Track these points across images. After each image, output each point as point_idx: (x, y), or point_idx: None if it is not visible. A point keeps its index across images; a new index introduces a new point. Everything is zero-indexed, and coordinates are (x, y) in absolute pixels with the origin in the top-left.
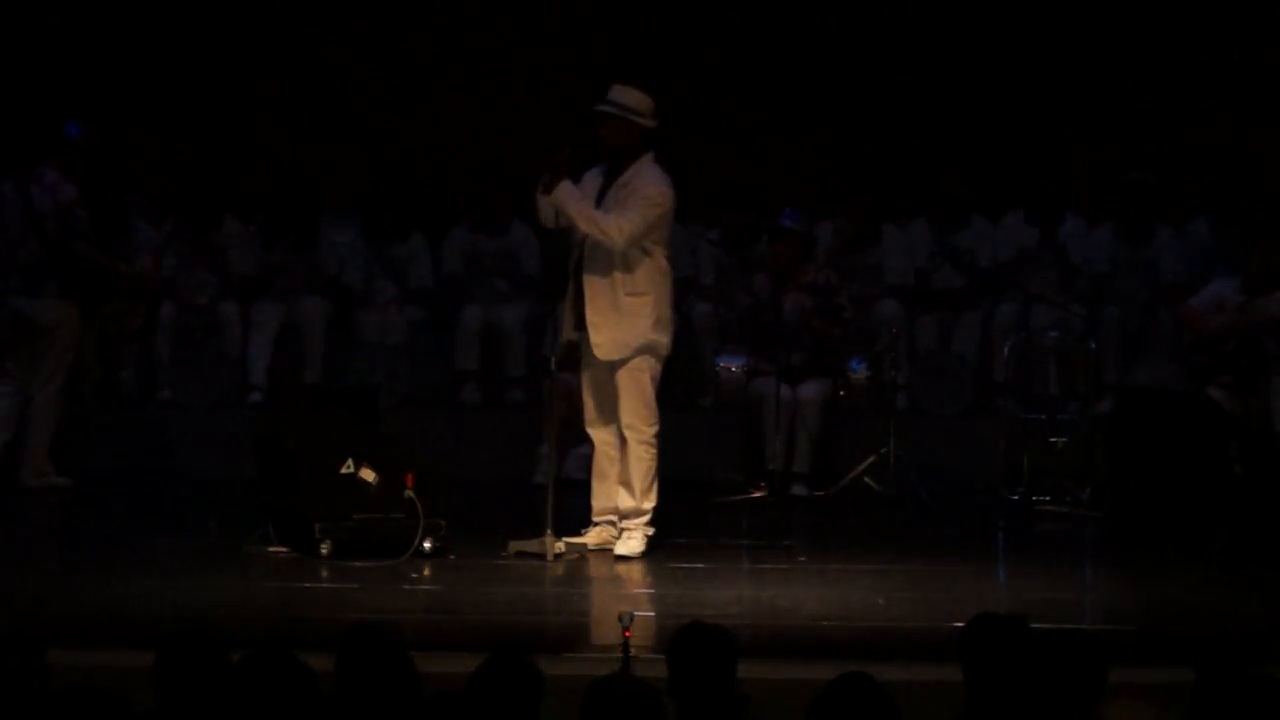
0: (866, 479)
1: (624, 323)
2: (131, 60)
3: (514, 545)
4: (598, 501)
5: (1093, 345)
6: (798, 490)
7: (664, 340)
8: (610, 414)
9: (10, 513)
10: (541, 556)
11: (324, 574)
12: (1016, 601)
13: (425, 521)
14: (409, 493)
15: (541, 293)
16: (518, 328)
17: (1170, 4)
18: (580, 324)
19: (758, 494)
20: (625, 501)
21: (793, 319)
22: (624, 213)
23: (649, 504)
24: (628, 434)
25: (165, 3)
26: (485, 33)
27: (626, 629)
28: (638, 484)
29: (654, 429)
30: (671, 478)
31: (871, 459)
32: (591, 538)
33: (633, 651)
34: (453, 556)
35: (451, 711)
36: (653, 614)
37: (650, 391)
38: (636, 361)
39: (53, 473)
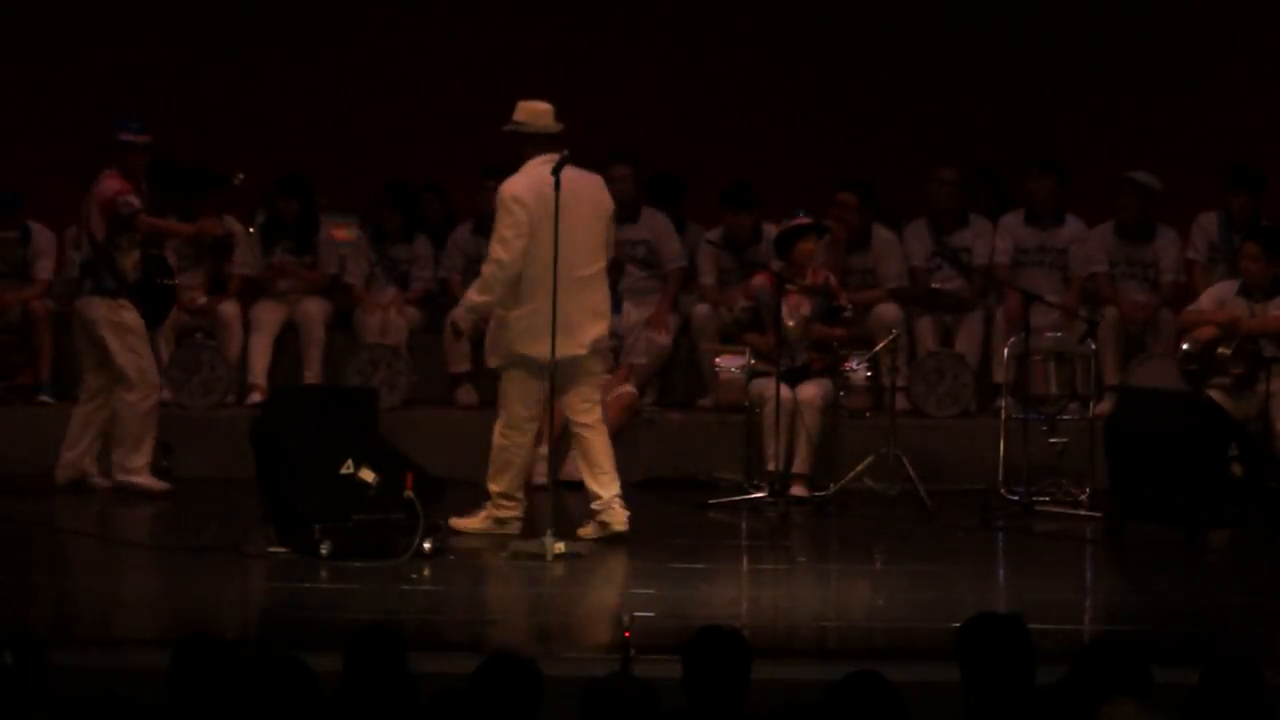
0: (866, 479)
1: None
2: (132, 60)
3: (513, 546)
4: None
5: (1092, 346)
6: (798, 491)
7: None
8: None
9: (10, 512)
10: (541, 557)
11: (324, 574)
12: (1016, 602)
13: (425, 522)
14: (409, 493)
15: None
16: None
17: (1174, 3)
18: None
19: (758, 495)
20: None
21: (793, 321)
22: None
23: (494, 487)
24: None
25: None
26: (487, 35)
27: (626, 630)
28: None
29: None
30: (672, 478)
31: (871, 459)
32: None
33: (632, 652)
34: (452, 557)
35: (451, 712)
36: (653, 615)
37: (512, 394)
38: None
39: (141, 472)
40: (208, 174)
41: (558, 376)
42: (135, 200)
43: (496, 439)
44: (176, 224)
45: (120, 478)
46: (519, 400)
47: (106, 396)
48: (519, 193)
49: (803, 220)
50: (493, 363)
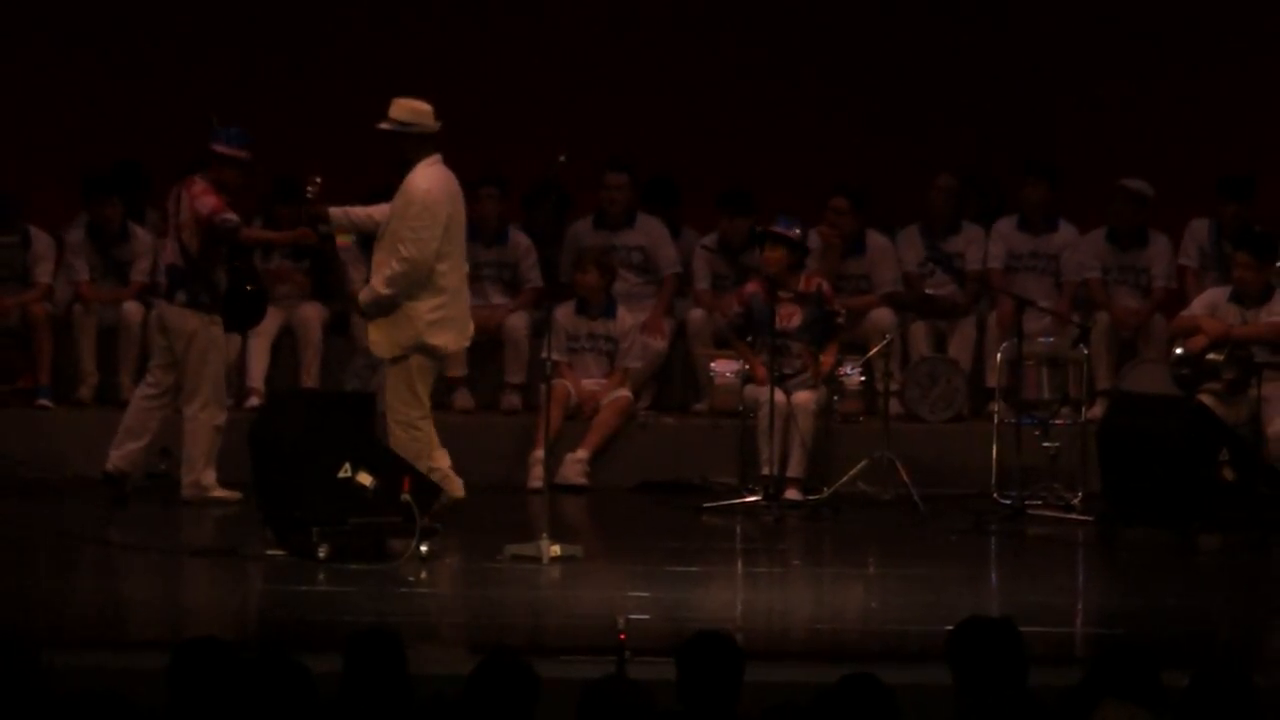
0: (860, 483)
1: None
2: (129, 63)
3: (510, 549)
4: None
5: (1085, 351)
6: (792, 495)
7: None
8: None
9: (10, 515)
10: (537, 560)
11: (321, 577)
12: (1008, 605)
13: (422, 525)
14: (405, 497)
15: (540, 300)
16: (521, 334)
17: (1166, 12)
18: None
19: (752, 498)
20: None
21: (787, 328)
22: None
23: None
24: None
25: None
26: (483, 46)
27: (622, 632)
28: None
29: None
30: (667, 482)
31: (865, 463)
32: None
33: (627, 654)
34: (449, 560)
35: (448, 713)
36: (648, 617)
37: (415, 382)
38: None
39: (214, 486)
40: (285, 182)
41: (444, 365)
42: (233, 216)
43: (401, 432)
44: (275, 233)
45: (195, 493)
46: (423, 387)
47: (171, 397)
48: (435, 193)
49: (780, 230)
50: (392, 352)
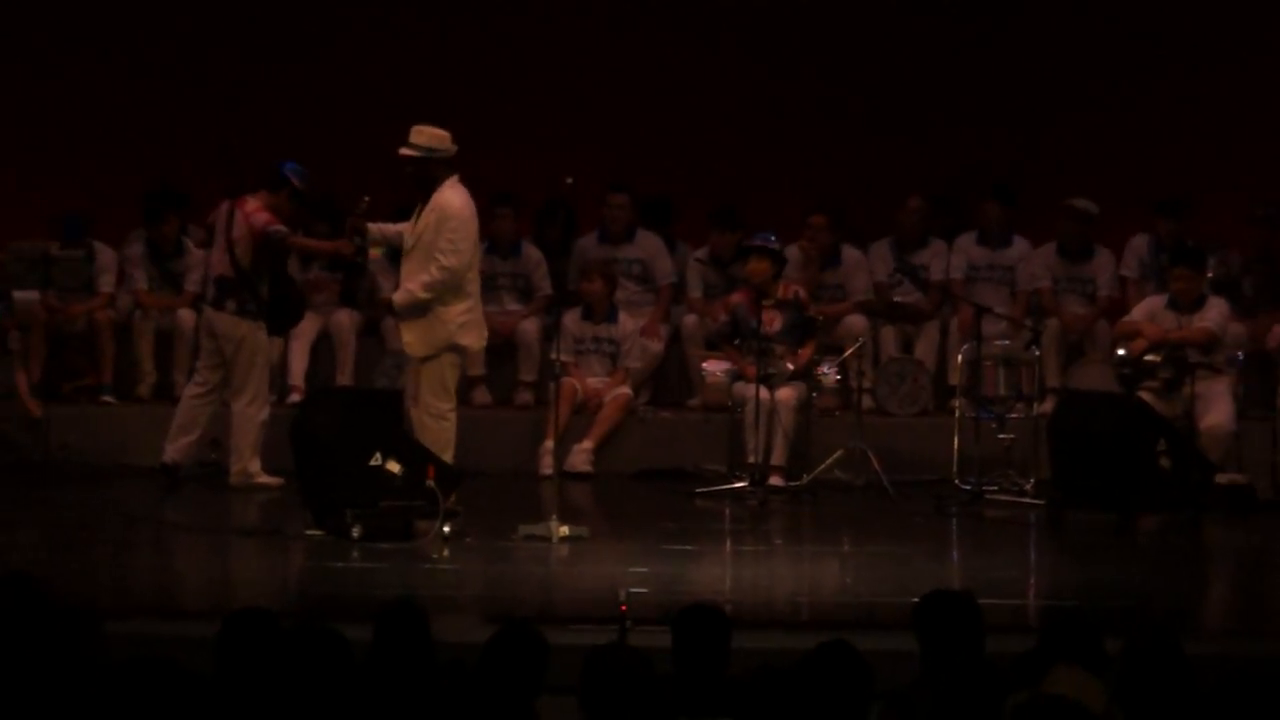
0: (836, 471)
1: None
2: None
3: (523, 529)
4: None
5: (1037, 353)
6: (775, 481)
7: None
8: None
9: (76, 500)
10: (547, 539)
11: (355, 555)
12: (968, 579)
13: (444, 508)
14: (430, 483)
15: (550, 307)
16: (533, 337)
17: (1109, 51)
18: None
19: (740, 484)
20: None
21: (769, 332)
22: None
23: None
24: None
25: (210, 24)
26: (499, 83)
27: (623, 603)
28: (436, 448)
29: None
30: (663, 470)
31: (840, 453)
32: None
33: (628, 624)
34: (468, 539)
35: (468, 676)
36: (646, 591)
37: (447, 378)
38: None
39: (259, 473)
40: (336, 200)
41: (466, 364)
42: (283, 227)
43: (432, 423)
44: (317, 243)
45: (244, 480)
46: (453, 382)
47: (218, 393)
48: (469, 210)
49: (762, 243)
50: (426, 351)
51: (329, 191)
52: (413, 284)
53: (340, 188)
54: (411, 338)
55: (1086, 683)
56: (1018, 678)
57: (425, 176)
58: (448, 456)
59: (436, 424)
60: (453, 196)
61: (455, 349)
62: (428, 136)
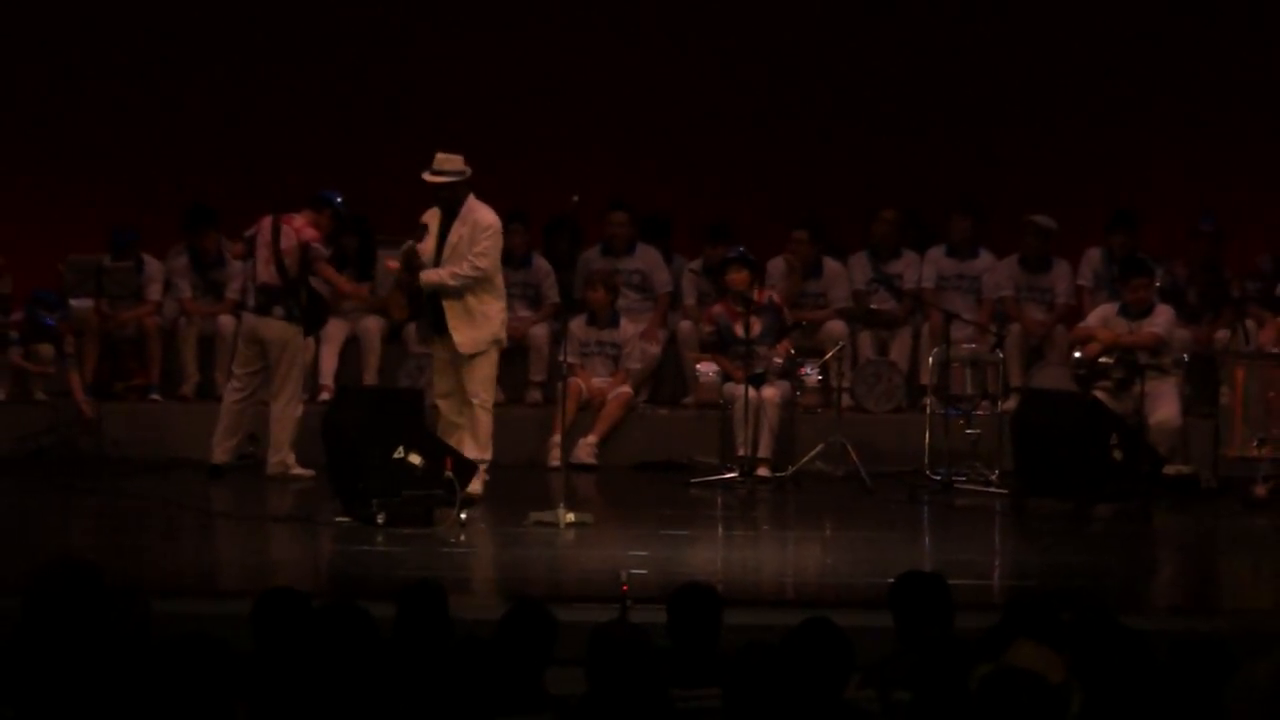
0: (818, 463)
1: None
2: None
3: (533, 516)
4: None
5: (1001, 355)
6: (762, 472)
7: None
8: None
9: (126, 490)
10: (555, 525)
11: (380, 539)
12: (939, 562)
13: (461, 496)
14: (448, 474)
15: (557, 314)
16: (542, 341)
17: (1066, 77)
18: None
19: (730, 475)
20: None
21: (752, 336)
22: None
23: (489, 455)
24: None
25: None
26: (512, 113)
27: (624, 584)
28: (480, 437)
29: (491, 398)
30: (660, 462)
31: (822, 446)
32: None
33: (629, 602)
34: (483, 525)
35: (483, 649)
36: (645, 572)
37: (491, 371)
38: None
39: (294, 465)
40: (353, 218)
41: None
42: (325, 249)
43: (483, 414)
44: (340, 280)
45: (280, 471)
46: (495, 375)
47: (255, 394)
48: (498, 223)
49: (739, 255)
50: (477, 348)
51: (361, 213)
52: (444, 271)
53: (361, 202)
54: (462, 338)
55: (1047, 656)
56: (982, 651)
57: (454, 198)
58: (490, 449)
59: (485, 414)
60: (485, 212)
61: (499, 343)
62: (453, 163)
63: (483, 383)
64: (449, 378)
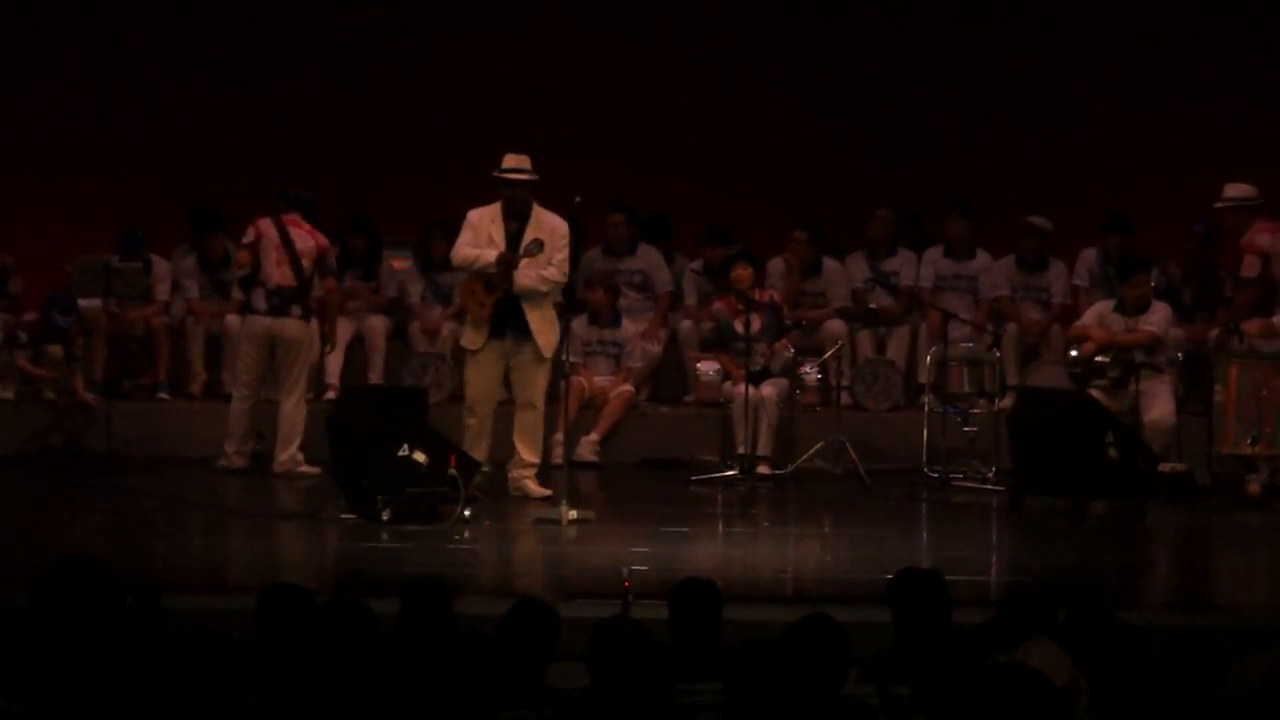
0: (817, 460)
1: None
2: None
3: (535, 513)
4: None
5: (997, 354)
6: (762, 470)
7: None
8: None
9: (135, 486)
10: (558, 522)
11: (384, 536)
12: (937, 558)
13: (465, 494)
14: (452, 471)
15: (561, 313)
16: None
17: (1061, 82)
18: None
19: (730, 473)
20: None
21: (753, 334)
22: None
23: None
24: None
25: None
26: (517, 123)
27: (626, 580)
28: (538, 441)
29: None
30: (662, 460)
31: (821, 444)
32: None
33: (631, 598)
34: (487, 522)
35: (487, 644)
36: (646, 568)
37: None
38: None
39: (302, 462)
40: (359, 218)
41: None
42: (334, 254)
43: (541, 420)
44: (335, 314)
45: (285, 468)
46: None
47: (259, 394)
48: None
49: (737, 254)
50: (551, 351)
51: (366, 213)
52: (534, 275)
53: (366, 203)
54: (544, 341)
55: (1056, 656)
56: (985, 646)
57: (526, 199)
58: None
59: (542, 419)
60: (554, 217)
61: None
62: (527, 164)
63: (545, 386)
64: (492, 380)
